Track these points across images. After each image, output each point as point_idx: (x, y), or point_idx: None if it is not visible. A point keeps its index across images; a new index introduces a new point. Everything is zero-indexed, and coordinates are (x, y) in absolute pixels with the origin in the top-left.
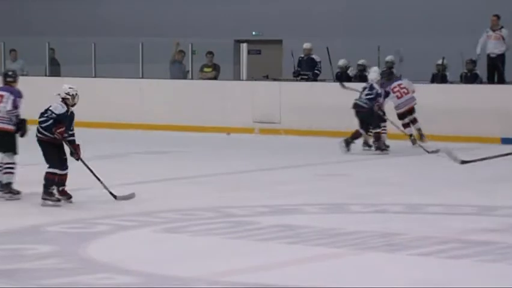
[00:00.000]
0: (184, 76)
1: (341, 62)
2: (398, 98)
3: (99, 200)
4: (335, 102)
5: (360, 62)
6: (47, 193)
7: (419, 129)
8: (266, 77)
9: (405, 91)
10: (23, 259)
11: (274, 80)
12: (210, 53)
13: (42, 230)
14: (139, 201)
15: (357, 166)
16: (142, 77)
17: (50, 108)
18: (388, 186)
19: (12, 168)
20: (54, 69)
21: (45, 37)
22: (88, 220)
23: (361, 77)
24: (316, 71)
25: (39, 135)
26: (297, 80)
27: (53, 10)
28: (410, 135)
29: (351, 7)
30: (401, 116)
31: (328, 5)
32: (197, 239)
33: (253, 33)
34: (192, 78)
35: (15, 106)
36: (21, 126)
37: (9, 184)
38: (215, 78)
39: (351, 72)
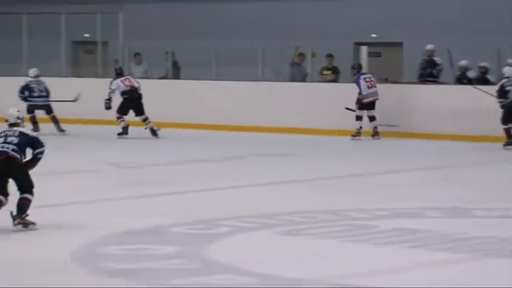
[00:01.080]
0: (303, 78)
1: (462, 63)
2: None
3: (221, 201)
4: (455, 105)
5: (482, 64)
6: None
7: None
8: (385, 80)
9: None
10: (145, 259)
11: (394, 82)
12: (330, 55)
13: (165, 230)
14: (260, 203)
15: (477, 170)
16: (262, 80)
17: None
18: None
19: None
20: (175, 72)
21: (167, 41)
22: (210, 221)
23: (482, 80)
24: (435, 73)
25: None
26: (417, 83)
27: (175, 14)
28: None
29: (472, 7)
30: None
31: (448, 6)
32: (316, 242)
33: (373, 35)
34: (311, 81)
35: None
36: None
37: None
38: (334, 81)
39: (471, 74)
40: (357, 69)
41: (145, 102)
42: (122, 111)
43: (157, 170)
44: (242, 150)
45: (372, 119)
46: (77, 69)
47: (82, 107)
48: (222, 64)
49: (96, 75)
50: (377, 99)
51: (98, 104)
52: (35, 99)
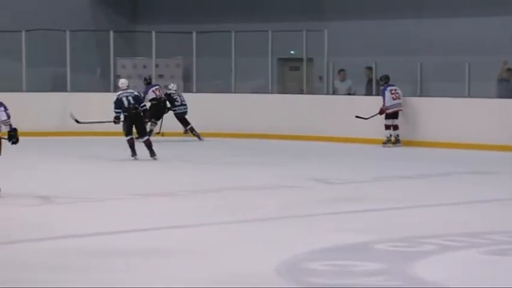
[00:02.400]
0: (510, 94)
1: None
2: None
3: (423, 218)
4: None
5: None
6: None
7: None
8: None
9: None
10: (351, 275)
11: None
12: None
13: (371, 247)
14: (463, 222)
15: None
16: (469, 96)
17: None
18: None
19: None
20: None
21: (369, 57)
22: (414, 239)
23: None
24: None
25: None
26: None
27: (378, 30)
28: None
29: None
30: None
31: None
32: None
33: None
34: None
35: (9, 116)
36: (13, 134)
37: None
38: None
39: None
40: (384, 80)
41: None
42: (154, 116)
43: (362, 186)
44: (443, 167)
45: (395, 128)
46: (282, 85)
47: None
48: (426, 80)
49: (301, 92)
50: (401, 109)
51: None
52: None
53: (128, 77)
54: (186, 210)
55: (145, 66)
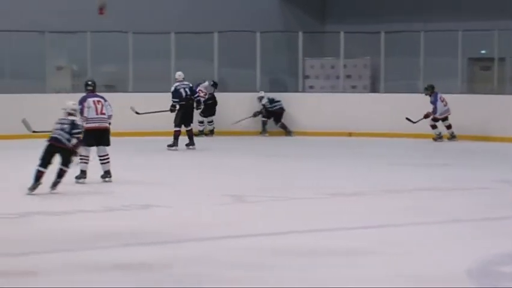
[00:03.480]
0: None
1: None
2: None
3: None
4: None
5: None
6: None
7: None
8: None
9: None
10: None
11: None
12: None
13: None
14: None
15: None
16: None
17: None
18: None
19: (108, 158)
20: None
21: None
22: None
23: None
24: None
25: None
26: None
27: None
28: None
29: None
30: None
31: None
32: None
33: None
34: None
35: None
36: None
37: (108, 171)
38: None
39: None
40: (430, 90)
41: None
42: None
43: None
44: None
45: (448, 127)
46: (472, 85)
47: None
48: None
49: (491, 92)
50: (450, 114)
51: None
52: None
53: (316, 77)
54: (376, 210)
55: (332, 67)
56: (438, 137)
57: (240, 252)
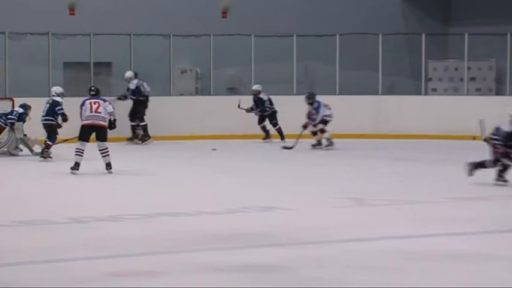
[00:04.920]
0: None
1: None
2: None
3: None
4: None
5: None
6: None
7: None
8: None
9: None
10: None
11: None
12: None
13: None
14: None
15: None
16: None
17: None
18: None
19: (107, 151)
20: None
21: None
22: None
23: None
24: None
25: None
26: None
27: None
28: None
29: None
30: None
31: None
32: None
33: None
34: None
35: (113, 108)
36: (113, 122)
37: (109, 163)
38: None
39: None
40: None
41: None
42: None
43: None
44: None
45: None
46: None
47: None
48: None
49: None
50: None
51: None
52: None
53: (438, 80)
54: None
55: (456, 69)
56: None
57: (372, 255)
